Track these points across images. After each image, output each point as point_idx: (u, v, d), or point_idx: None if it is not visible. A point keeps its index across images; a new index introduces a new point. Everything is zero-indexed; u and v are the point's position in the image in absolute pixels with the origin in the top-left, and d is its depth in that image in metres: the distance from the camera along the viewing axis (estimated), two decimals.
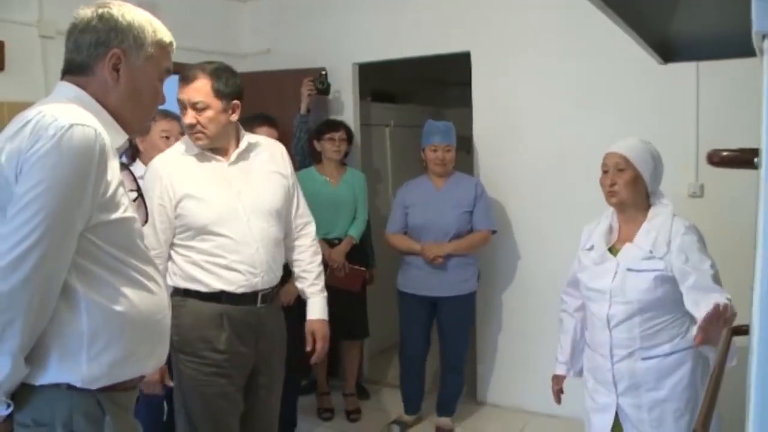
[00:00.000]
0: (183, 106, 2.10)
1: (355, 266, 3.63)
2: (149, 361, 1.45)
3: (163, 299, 1.49)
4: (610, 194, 2.15)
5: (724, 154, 0.85)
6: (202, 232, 2.11)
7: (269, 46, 4.32)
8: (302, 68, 3.97)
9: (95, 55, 1.39)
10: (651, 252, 2.05)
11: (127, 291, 1.36)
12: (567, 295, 2.39)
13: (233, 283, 2.12)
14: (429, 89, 6.79)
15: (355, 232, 3.70)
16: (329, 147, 3.66)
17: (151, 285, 1.43)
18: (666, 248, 2.03)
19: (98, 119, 1.34)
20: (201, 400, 2.13)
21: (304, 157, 3.79)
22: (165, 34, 1.48)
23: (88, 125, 1.27)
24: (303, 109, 3.79)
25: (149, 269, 1.44)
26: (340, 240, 3.65)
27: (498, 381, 3.86)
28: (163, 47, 1.47)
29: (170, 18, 3.74)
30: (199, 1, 3.99)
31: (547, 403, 2.52)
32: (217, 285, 2.12)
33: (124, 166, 1.53)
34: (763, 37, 0.63)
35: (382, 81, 5.14)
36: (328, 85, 3.96)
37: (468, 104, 6.98)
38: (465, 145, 7.26)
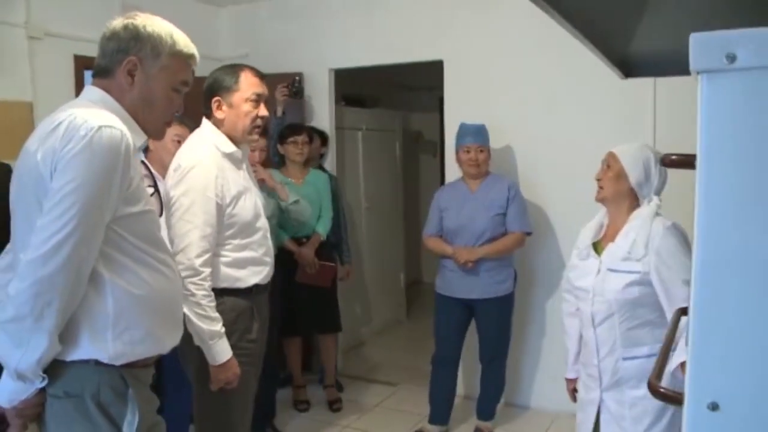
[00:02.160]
0: (260, 99, 2.22)
1: (325, 262, 3.79)
2: (166, 341, 1.60)
3: (178, 285, 1.64)
4: (599, 189, 2.23)
5: (674, 157, 1.04)
6: (246, 227, 2.21)
7: (247, 51, 4.45)
8: (280, 73, 4.11)
9: (116, 61, 1.54)
10: (629, 253, 2.06)
11: (147, 277, 1.51)
12: (567, 293, 2.40)
13: (260, 274, 2.27)
14: (396, 94, 6.98)
15: (322, 228, 3.85)
16: (292, 150, 3.81)
17: (167, 272, 1.58)
18: (644, 250, 2.03)
19: (121, 120, 1.48)
20: (236, 395, 2.19)
21: (276, 158, 3.94)
22: (185, 47, 1.61)
23: (115, 127, 1.42)
24: (279, 113, 3.96)
25: (166, 257, 1.59)
26: (308, 238, 3.80)
27: (534, 383, 3.90)
28: (181, 59, 1.61)
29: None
30: (177, 5, 4.08)
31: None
32: (252, 280, 2.24)
33: (142, 162, 1.67)
34: (698, 73, 0.78)
35: (352, 86, 5.30)
36: (302, 89, 4.15)
37: (435, 109, 7.22)
38: (432, 149, 7.50)
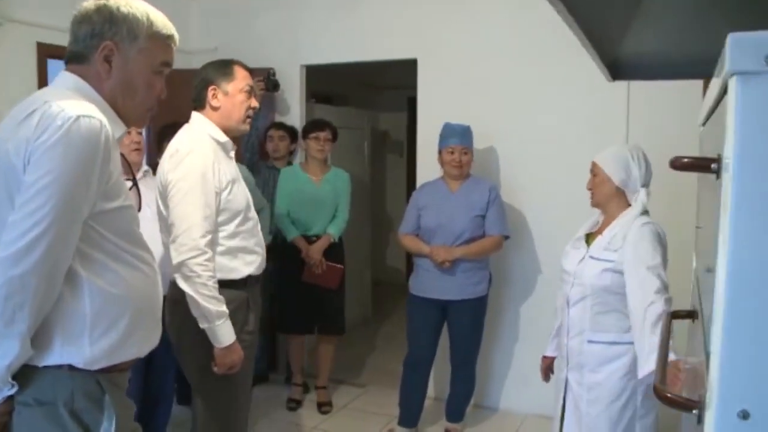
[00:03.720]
0: (251, 91, 2.30)
1: (332, 263, 3.72)
2: (145, 345, 1.51)
3: (157, 283, 1.56)
4: (590, 198, 2.42)
5: (685, 160, 1.02)
6: (239, 215, 2.23)
7: (217, 45, 4.35)
8: (250, 68, 4.02)
9: (90, 46, 1.43)
10: (609, 243, 2.27)
11: (126, 275, 1.42)
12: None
13: (253, 264, 2.28)
14: (363, 93, 6.94)
15: (335, 230, 3.79)
16: (314, 146, 3.76)
17: (147, 269, 1.49)
18: (621, 242, 2.22)
19: (99, 109, 1.38)
20: (235, 382, 2.24)
21: (252, 154, 3.86)
22: (163, 27, 1.51)
23: (94, 117, 1.32)
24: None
25: (144, 254, 1.50)
26: (318, 237, 3.74)
27: (503, 386, 3.89)
28: (159, 40, 1.50)
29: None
30: None
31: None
32: (246, 270, 2.25)
33: (120, 155, 1.56)
34: (731, 75, 0.76)
35: (320, 83, 5.24)
36: (277, 83, 4.11)
37: (402, 109, 7.20)
38: (398, 149, 7.48)
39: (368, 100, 6.92)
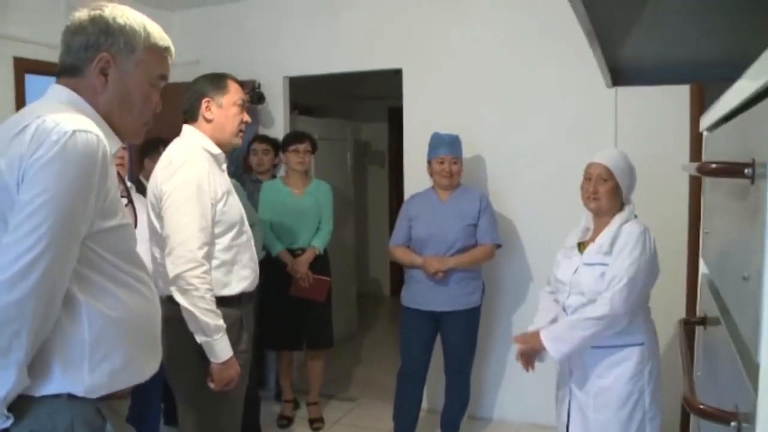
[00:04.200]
0: (243, 105, 2.29)
1: (319, 276, 3.67)
2: (146, 369, 1.45)
3: (156, 304, 1.50)
4: (590, 200, 2.36)
5: (713, 166, 1.00)
6: (233, 227, 2.19)
7: (198, 57, 4.28)
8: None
9: (85, 59, 1.37)
10: (601, 247, 2.28)
11: (126, 298, 1.36)
12: (549, 283, 2.59)
13: (247, 280, 2.24)
14: (344, 104, 6.91)
15: (320, 242, 3.75)
16: (294, 158, 3.72)
17: (146, 291, 1.43)
18: (613, 246, 2.26)
19: (94, 123, 1.32)
20: (229, 402, 2.19)
21: (237, 168, 3.80)
22: (160, 39, 1.46)
23: (91, 131, 1.27)
24: None
25: (143, 275, 1.44)
26: (303, 250, 3.70)
27: (498, 396, 3.87)
28: (156, 52, 1.45)
29: None
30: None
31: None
32: (239, 286, 2.21)
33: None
34: None
35: (300, 94, 5.21)
36: (263, 95, 4.10)
37: (383, 119, 7.18)
38: (380, 160, 7.45)
39: (348, 110, 6.89)
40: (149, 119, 1.50)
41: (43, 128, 1.23)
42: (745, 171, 0.92)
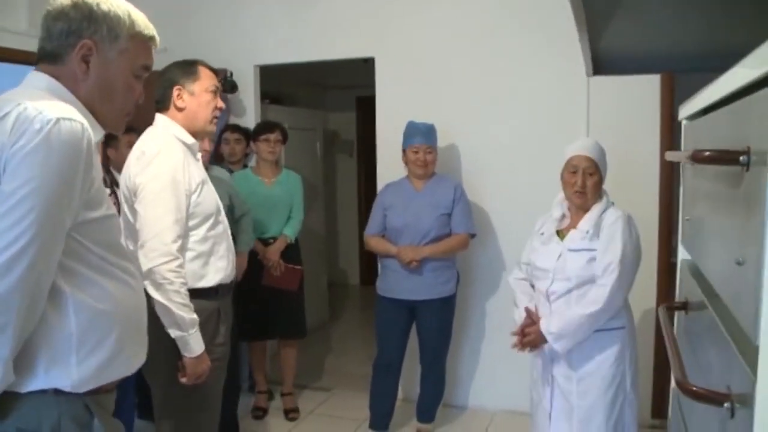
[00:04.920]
0: (216, 91, 2.24)
1: (291, 265, 3.67)
2: (134, 361, 1.42)
3: (143, 295, 1.47)
4: (577, 194, 2.36)
5: (707, 153, 1.02)
6: (210, 219, 2.16)
7: (166, 45, 4.15)
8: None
9: (66, 45, 1.33)
10: (587, 232, 2.32)
11: (113, 289, 1.33)
12: (518, 266, 2.65)
13: (223, 271, 2.21)
14: (312, 93, 6.87)
15: (291, 231, 3.75)
16: (264, 148, 3.71)
17: (132, 281, 1.41)
18: (599, 231, 2.30)
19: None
20: (204, 395, 2.17)
21: (211, 157, 3.74)
22: (145, 28, 1.42)
23: (75, 119, 1.23)
24: None
25: (129, 265, 1.41)
26: (274, 239, 3.70)
27: (472, 384, 3.89)
28: (141, 41, 1.41)
29: None
30: None
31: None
32: (216, 278, 2.17)
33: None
34: None
35: (267, 83, 5.17)
36: (235, 84, 4.04)
37: (351, 108, 7.15)
38: (348, 149, 7.43)
39: (316, 100, 6.85)
40: (131, 109, 1.46)
41: (25, 116, 1.19)
42: (740, 158, 0.95)
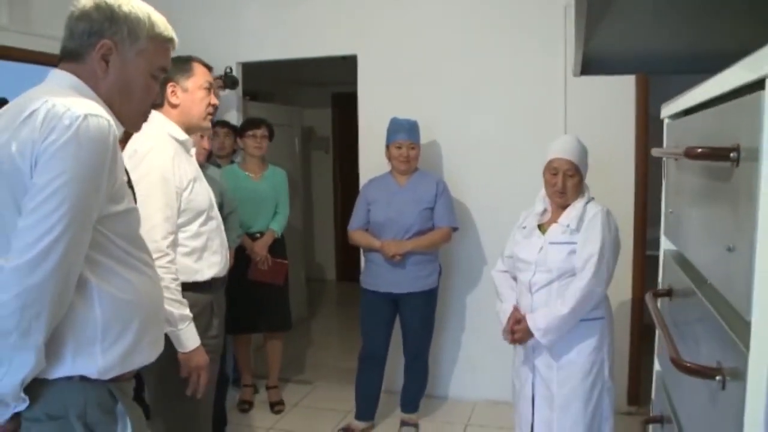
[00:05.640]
0: (210, 88, 2.27)
1: (278, 259, 3.73)
2: (153, 350, 1.48)
3: (160, 286, 1.53)
4: (558, 194, 2.47)
5: (699, 150, 1.12)
6: (201, 214, 2.18)
7: None
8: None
9: (87, 44, 1.38)
10: (568, 226, 2.43)
11: (134, 280, 1.39)
12: (502, 258, 2.74)
13: (217, 266, 2.24)
14: (288, 89, 6.89)
15: (277, 226, 3.83)
16: (251, 143, 3.78)
17: (151, 273, 1.46)
18: (579, 225, 2.42)
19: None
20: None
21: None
22: (164, 30, 1.48)
23: (102, 116, 1.28)
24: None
25: (147, 257, 1.47)
26: (261, 234, 3.76)
27: (453, 374, 3.99)
28: (160, 43, 1.47)
29: (45, 9, 3.60)
30: None
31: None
32: (210, 272, 2.21)
33: None
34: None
35: (246, 80, 5.19)
36: (236, 80, 4.09)
37: (326, 105, 7.20)
38: (324, 146, 7.47)
39: (292, 96, 6.87)
40: (148, 109, 1.52)
41: (54, 113, 1.23)
42: (731, 155, 1.04)
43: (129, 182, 1.52)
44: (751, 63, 0.96)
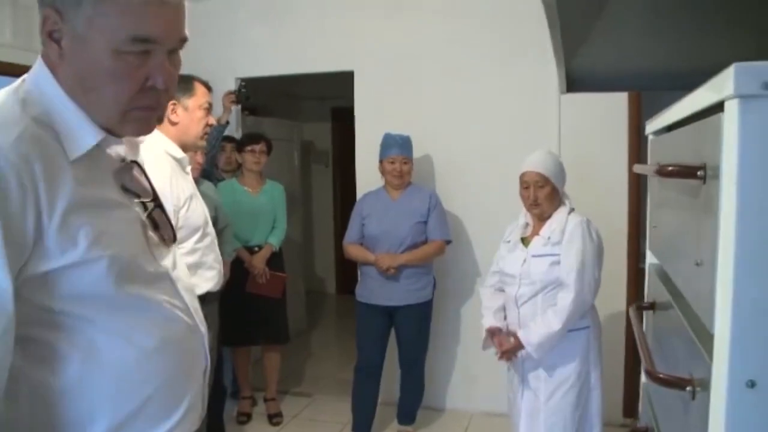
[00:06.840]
0: (209, 109, 2.31)
1: (276, 273, 3.78)
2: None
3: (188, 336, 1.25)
4: (532, 206, 2.54)
5: (670, 168, 1.16)
6: (198, 231, 2.23)
7: None
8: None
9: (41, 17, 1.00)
10: (549, 239, 2.47)
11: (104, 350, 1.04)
12: (492, 275, 2.78)
13: (212, 281, 2.30)
14: (287, 104, 6.96)
15: (275, 239, 3.87)
16: (250, 158, 3.83)
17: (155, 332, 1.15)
18: (560, 236, 2.46)
19: (51, 111, 1.01)
20: None
21: (211, 167, 3.85)
22: None
23: None
24: (223, 120, 3.86)
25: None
26: (260, 247, 3.80)
27: (449, 386, 4.03)
28: (118, 2, 0.97)
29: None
30: None
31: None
32: (204, 287, 2.26)
33: (137, 166, 1.20)
34: (734, 97, 0.89)
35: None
36: (249, 95, 4.09)
37: (326, 119, 7.25)
38: (324, 160, 7.53)
39: (291, 110, 6.93)
40: (137, 102, 1.05)
41: None
42: (698, 173, 1.09)
43: (157, 203, 1.22)
44: (714, 85, 1.00)
